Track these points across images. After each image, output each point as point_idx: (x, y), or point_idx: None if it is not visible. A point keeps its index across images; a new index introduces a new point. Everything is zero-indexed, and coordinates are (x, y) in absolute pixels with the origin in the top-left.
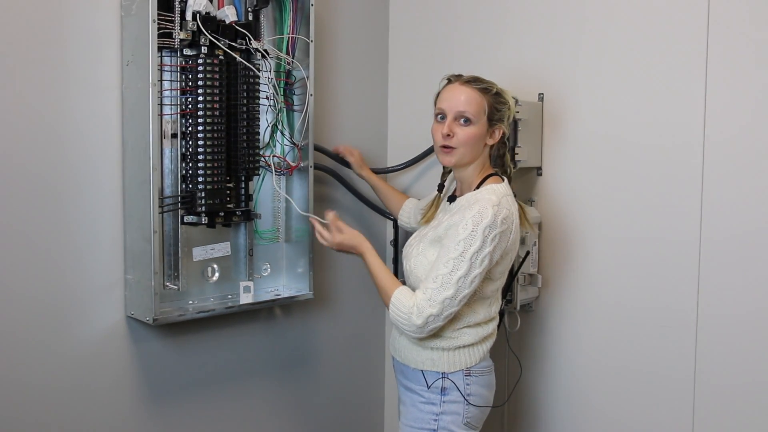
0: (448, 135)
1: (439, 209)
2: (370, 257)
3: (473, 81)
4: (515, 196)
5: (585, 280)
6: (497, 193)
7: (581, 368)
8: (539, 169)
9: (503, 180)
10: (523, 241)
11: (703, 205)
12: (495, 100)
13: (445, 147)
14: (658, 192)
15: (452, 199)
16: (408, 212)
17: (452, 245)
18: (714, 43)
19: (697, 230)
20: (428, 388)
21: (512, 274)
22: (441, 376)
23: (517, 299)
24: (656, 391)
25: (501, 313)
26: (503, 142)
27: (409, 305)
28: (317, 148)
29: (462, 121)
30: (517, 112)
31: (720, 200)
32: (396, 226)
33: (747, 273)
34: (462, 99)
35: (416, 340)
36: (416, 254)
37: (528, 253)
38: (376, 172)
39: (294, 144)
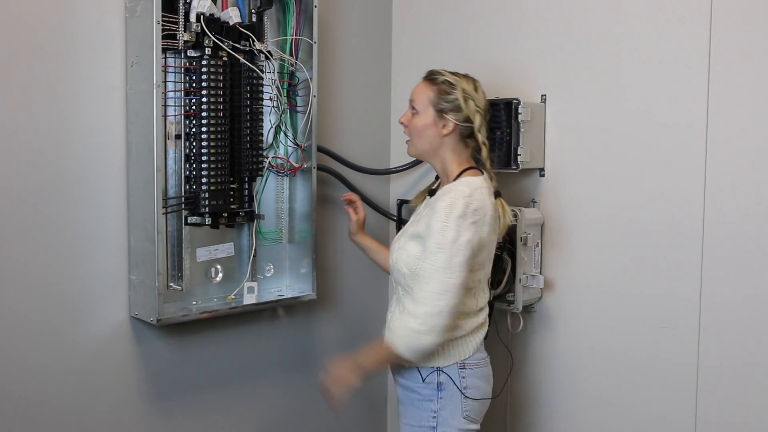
0: (403, 124)
1: (422, 204)
2: (367, 366)
3: (428, 74)
4: (500, 195)
5: (587, 281)
6: (470, 185)
7: (584, 368)
8: (542, 170)
9: (482, 173)
10: (525, 242)
11: (706, 207)
12: (440, 89)
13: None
14: (661, 193)
15: (432, 193)
16: None
17: (431, 242)
18: (717, 42)
19: (699, 232)
20: (423, 381)
21: (512, 268)
22: (435, 370)
23: (520, 300)
24: (659, 390)
25: (491, 305)
26: (472, 137)
27: (406, 327)
28: (320, 150)
29: (412, 111)
30: (520, 113)
31: (723, 202)
32: (398, 228)
33: (750, 275)
34: (413, 91)
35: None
36: (398, 248)
37: (504, 244)
38: (379, 173)
39: (297, 145)
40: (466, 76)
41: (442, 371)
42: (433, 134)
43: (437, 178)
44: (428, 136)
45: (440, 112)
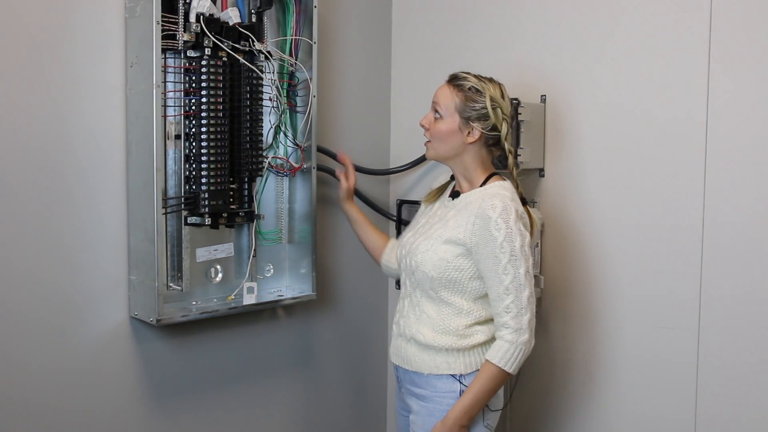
0: (424, 127)
1: (436, 204)
2: (471, 405)
3: (452, 78)
4: (527, 202)
5: (587, 282)
6: (507, 189)
7: (583, 368)
8: (542, 170)
9: (505, 179)
10: None
11: (706, 207)
12: (466, 96)
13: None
14: (661, 193)
15: (455, 195)
16: (391, 254)
17: (498, 253)
18: (716, 43)
19: (699, 232)
20: (445, 392)
21: None
22: (457, 379)
23: None
24: (659, 390)
25: None
26: (497, 145)
27: (509, 341)
28: (320, 150)
29: (436, 115)
30: (520, 114)
31: (723, 202)
32: (398, 228)
33: (750, 276)
34: (438, 94)
35: (427, 345)
36: (424, 250)
37: None
38: (379, 173)
39: (297, 145)
40: (491, 81)
41: (464, 379)
42: (457, 141)
43: (452, 178)
44: (452, 143)
45: (466, 120)
